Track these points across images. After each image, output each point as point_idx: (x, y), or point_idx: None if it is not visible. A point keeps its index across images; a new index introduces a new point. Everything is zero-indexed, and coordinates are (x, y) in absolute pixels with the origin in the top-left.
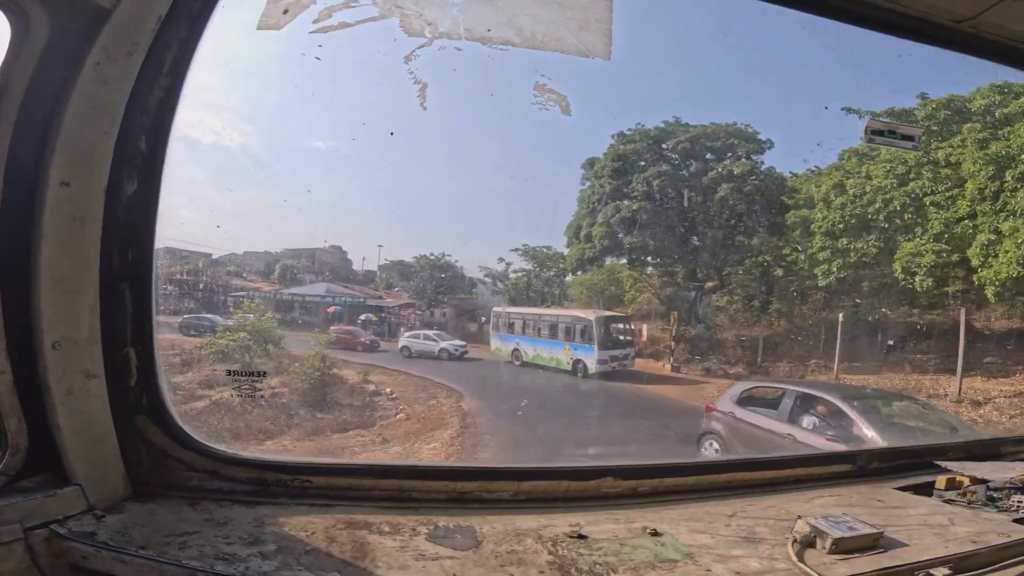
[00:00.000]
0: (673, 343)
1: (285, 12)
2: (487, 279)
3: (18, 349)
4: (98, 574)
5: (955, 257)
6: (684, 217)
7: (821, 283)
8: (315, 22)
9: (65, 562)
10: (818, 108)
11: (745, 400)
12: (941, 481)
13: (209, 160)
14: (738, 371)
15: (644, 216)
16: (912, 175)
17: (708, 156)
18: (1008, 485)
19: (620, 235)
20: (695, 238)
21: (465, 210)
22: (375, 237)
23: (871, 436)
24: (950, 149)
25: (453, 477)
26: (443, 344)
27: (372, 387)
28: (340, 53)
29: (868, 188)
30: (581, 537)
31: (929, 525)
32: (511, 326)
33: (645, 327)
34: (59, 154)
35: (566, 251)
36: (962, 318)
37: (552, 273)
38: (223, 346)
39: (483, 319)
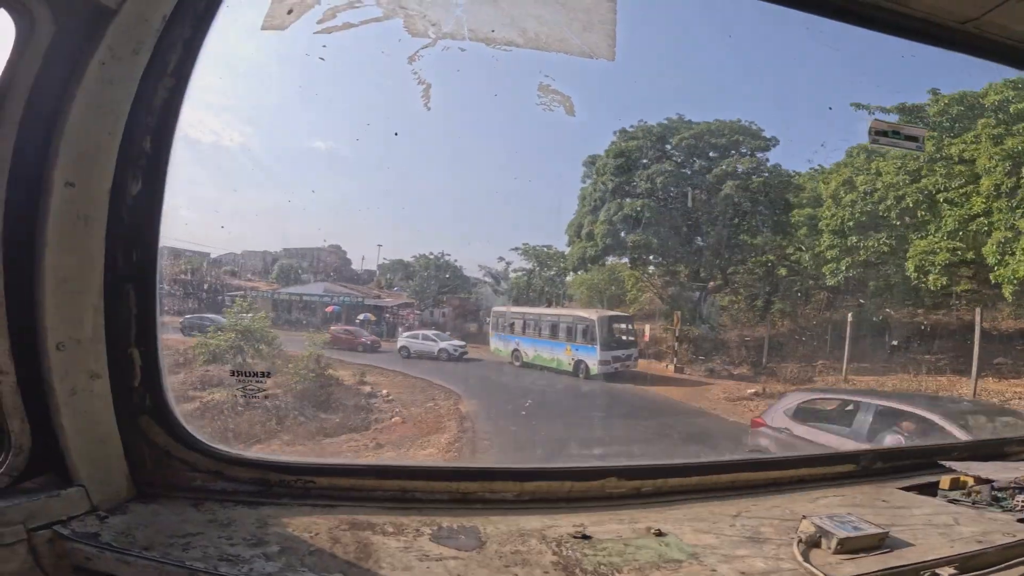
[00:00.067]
0: (676, 343)
1: (289, 12)
2: (487, 278)
3: (21, 349)
4: (101, 575)
5: (970, 255)
6: (687, 215)
7: (829, 282)
8: (319, 22)
9: (68, 563)
10: (820, 108)
11: (804, 414)
12: (945, 481)
13: (210, 160)
14: (743, 372)
15: (647, 214)
16: (924, 171)
17: (712, 153)
18: (1012, 485)
19: (622, 233)
20: (698, 236)
21: (466, 210)
22: (375, 237)
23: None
24: (963, 145)
25: (456, 478)
26: (442, 344)
27: (368, 388)
28: (344, 53)
29: (879, 185)
30: (585, 537)
31: (934, 525)
32: (511, 326)
33: (647, 327)
34: (63, 154)
35: (567, 250)
36: (977, 318)
37: (553, 272)
38: (213, 347)
39: (484, 318)
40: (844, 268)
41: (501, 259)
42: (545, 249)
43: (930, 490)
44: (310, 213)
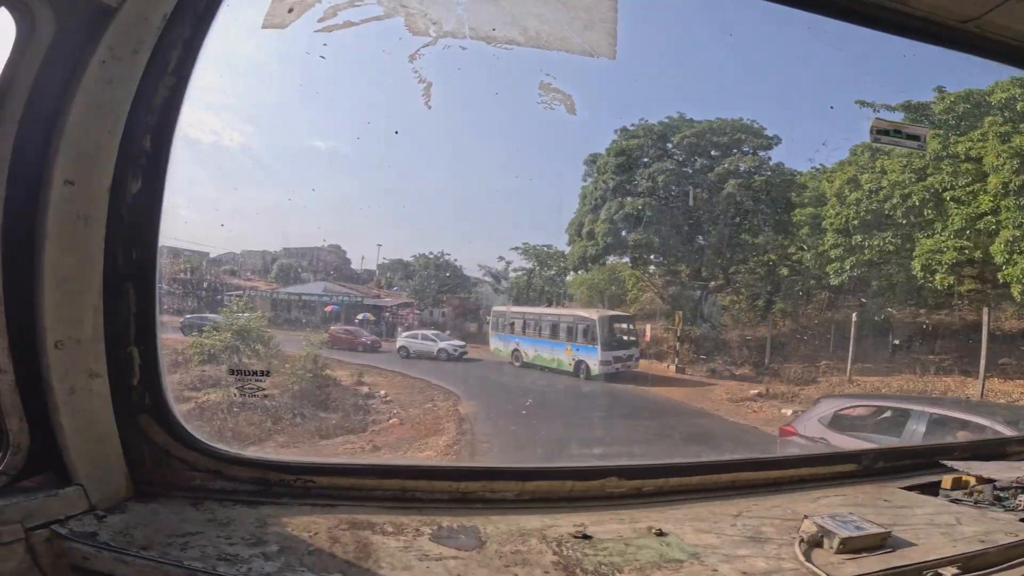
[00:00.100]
0: (677, 343)
1: (290, 11)
2: (487, 278)
3: (20, 348)
4: (99, 574)
5: (978, 254)
6: (689, 214)
7: (833, 281)
8: (320, 21)
9: (66, 562)
10: (821, 108)
11: (843, 423)
12: (947, 481)
13: (210, 159)
14: (745, 372)
15: (648, 212)
16: (930, 170)
17: (713, 152)
18: (1015, 484)
19: (623, 232)
20: (700, 236)
21: (466, 209)
22: (375, 236)
23: None
24: (970, 143)
25: (456, 477)
26: (441, 344)
27: (366, 389)
28: (344, 52)
29: (885, 183)
30: (586, 537)
31: (936, 524)
32: (511, 326)
33: (648, 327)
34: (63, 153)
35: (567, 249)
36: (985, 317)
37: (553, 272)
38: (208, 347)
39: (485, 317)
40: (848, 267)
41: (501, 258)
42: (545, 248)
43: (932, 490)
44: (310, 212)
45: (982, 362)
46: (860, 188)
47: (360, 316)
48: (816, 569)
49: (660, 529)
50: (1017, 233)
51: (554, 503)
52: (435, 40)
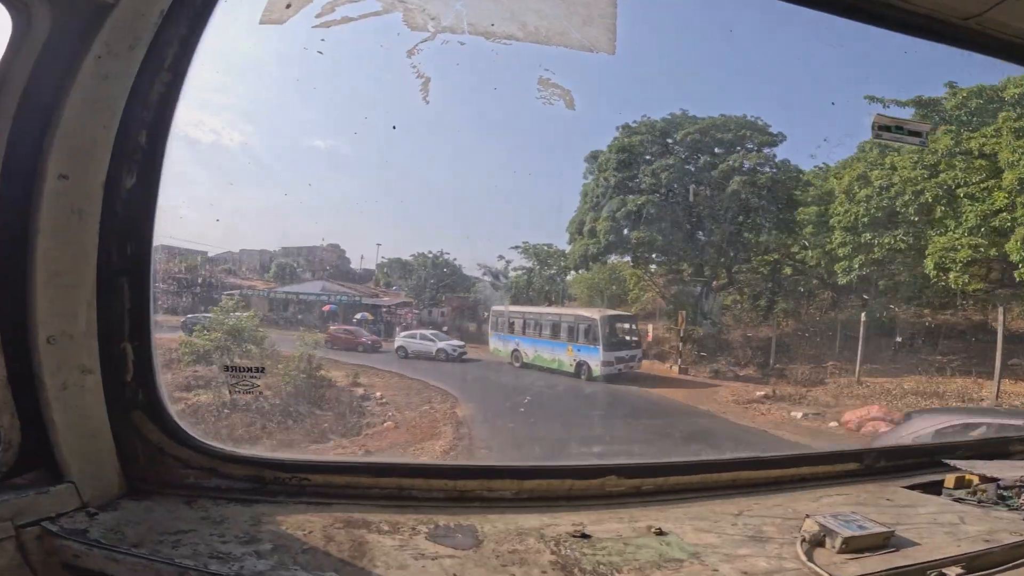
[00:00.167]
0: (680, 344)
1: (288, 7)
2: (487, 277)
3: (12, 343)
4: (90, 572)
5: (993, 252)
6: (693, 212)
7: (841, 280)
8: (318, 16)
9: (57, 560)
10: (822, 105)
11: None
12: (950, 480)
13: (208, 158)
14: (749, 373)
15: (651, 210)
16: (943, 166)
17: (717, 149)
18: (1018, 484)
19: (626, 230)
20: (704, 234)
21: (466, 208)
22: (374, 235)
23: None
24: (983, 139)
25: (454, 475)
26: (440, 344)
27: (361, 391)
28: (342, 48)
29: (896, 180)
30: (584, 536)
31: (939, 524)
32: (511, 326)
33: (650, 327)
34: (58, 147)
35: (568, 248)
36: (1000, 317)
37: (553, 271)
38: (199, 347)
39: (483, 314)
40: (857, 266)
41: (501, 257)
42: (545, 247)
43: (935, 489)
44: (309, 211)
45: (997, 363)
46: (870, 185)
47: (358, 315)
48: (818, 569)
49: (660, 528)
50: None
51: (553, 502)
52: (433, 35)
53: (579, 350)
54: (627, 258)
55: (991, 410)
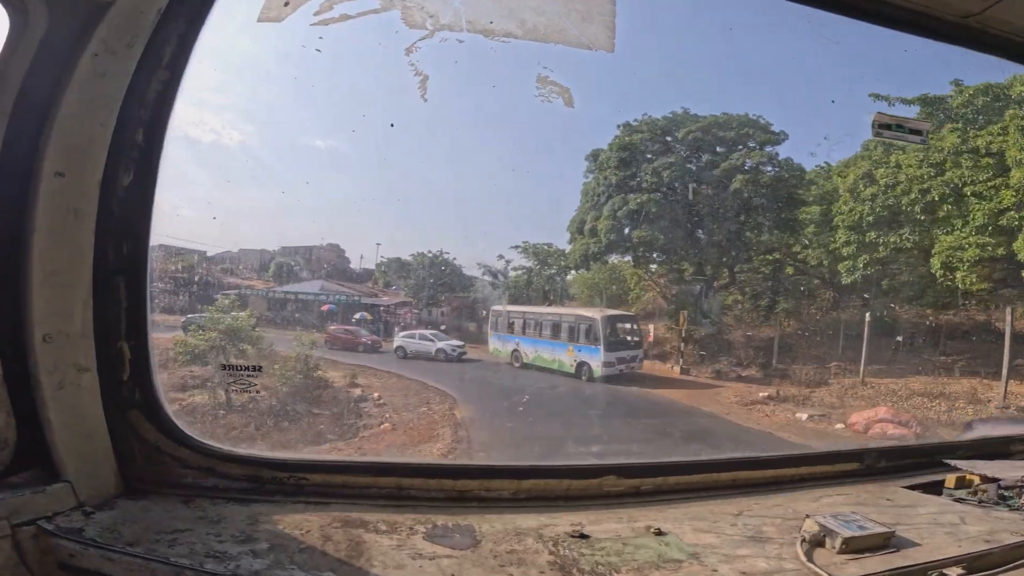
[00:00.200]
0: (682, 344)
1: (286, 4)
2: (486, 277)
3: (8, 342)
4: (86, 571)
5: (1001, 251)
6: (695, 210)
7: (845, 280)
8: (316, 15)
9: (53, 559)
10: (821, 104)
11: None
12: (951, 480)
13: (206, 156)
14: (751, 373)
15: (653, 208)
16: (949, 165)
17: (719, 148)
18: (1019, 483)
19: (627, 229)
20: (705, 232)
21: (466, 207)
22: (374, 234)
23: None
24: (990, 137)
25: (453, 475)
26: (440, 344)
27: (358, 391)
28: (340, 46)
29: (902, 178)
30: (583, 536)
31: (940, 524)
32: (511, 326)
33: (651, 327)
34: (54, 145)
35: (568, 247)
36: (1008, 317)
37: (553, 271)
38: (192, 347)
39: (482, 312)
40: (862, 265)
41: (500, 257)
42: (545, 247)
43: (935, 489)
44: (308, 210)
45: (1005, 364)
46: (876, 183)
47: (357, 315)
48: (818, 569)
49: (659, 528)
50: None
51: (551, 502)
52: (432, 33)
53: (580, 350)
54: (627, 258)
55: None
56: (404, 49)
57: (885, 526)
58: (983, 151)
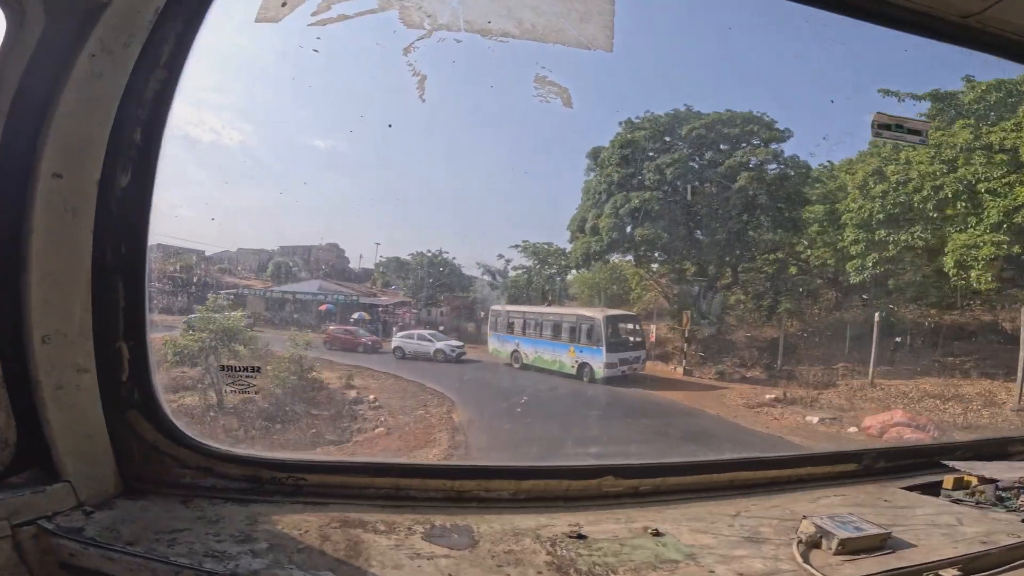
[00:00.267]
0: (685, 344)
1: (283, 4)
2: (486, 276)
3: (7, 343)
4: (86, 571)
5: (1016, 249)
6: (698, 208)
7: (853, 279)
8: (313, 15)
9: (53, 559)
10: (820, 103)
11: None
12: (948, 481)
13: (204, 156)
14: (755, 375)
15: (655, 206)
16: (961, 161)
17: (723, 145)
18: (1017, 485)
19: (629, 227)
20: (709, 231)
21: (465, 206)
22: (373, 234)
23: None
24: (1003, 133)
25: (451, 475)
26: (439, 345)
27: (354, 393)
28: (338, 46)
29: (913, 175)
30: (580, 537)
31: (937, 525)
32: (510, 326)
33: (653, 327)
34: (52, 145)
35: (568, 246)
36: None
37: (554, 270)
38: (183, 347)
39: (483, 316)
40: (871, 264)
41: (500, 256)
42: (545, 246)
43: (933, 490)
44: (306, 210)
45: (1020, 365)
46: (886, 180)
47: (355, 315)
48: (814, 571)
49: (656, 529)
50: None
51: (550, 502)
52: (430, 33)
53: (581, 351)
54: (628, 257)
55: None
56: (402, 49)
57: (881, 527)
58: (996, 147)
